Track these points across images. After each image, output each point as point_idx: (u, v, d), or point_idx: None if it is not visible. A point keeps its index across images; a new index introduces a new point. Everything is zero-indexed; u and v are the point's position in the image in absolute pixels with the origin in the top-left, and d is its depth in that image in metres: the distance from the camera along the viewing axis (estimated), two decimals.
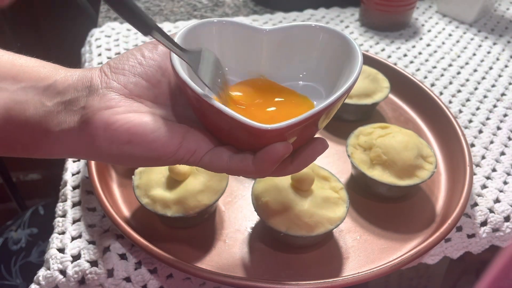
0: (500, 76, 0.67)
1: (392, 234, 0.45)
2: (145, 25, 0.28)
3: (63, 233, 0.43)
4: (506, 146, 0.55)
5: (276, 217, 0.40)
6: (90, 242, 0.42)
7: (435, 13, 0.83)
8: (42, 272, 0.41)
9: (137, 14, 0.28)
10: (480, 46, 0.74)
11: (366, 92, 0.55)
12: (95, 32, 0.73)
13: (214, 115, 0.29)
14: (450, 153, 0.52)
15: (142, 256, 0.41)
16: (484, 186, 0.49)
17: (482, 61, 0.70)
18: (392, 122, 0.58)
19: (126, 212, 0.46)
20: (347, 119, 0.57)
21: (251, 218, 0.46)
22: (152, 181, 0.43)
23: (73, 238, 0.42)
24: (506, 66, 0.69)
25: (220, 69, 0.33)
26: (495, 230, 0.46)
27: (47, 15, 1.04)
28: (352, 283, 0.37)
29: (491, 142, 0.55)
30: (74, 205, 0.46)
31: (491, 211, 0.47)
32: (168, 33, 0.30)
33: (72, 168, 0.50)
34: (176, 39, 0.32)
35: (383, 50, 0.72)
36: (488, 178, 0.50)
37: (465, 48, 0.73)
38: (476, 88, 0.64)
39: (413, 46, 0.73)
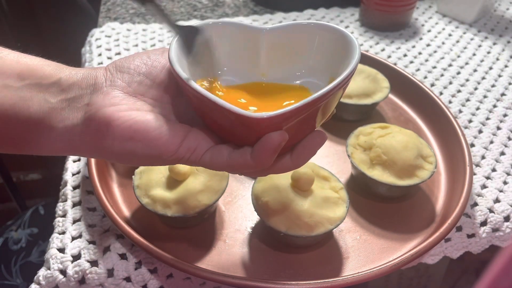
0: (500, 76, 0.67)
1: (392, 234, 0.45)
2: None
3: (63, 233, 0.43)
4: (506, 146, 0.55)
5: (276, 217, 0.40)
6: (90, 242, 0.42)
7: (435, 13, 0.83)
8: (42, 272, 0.41)
9: None
10: (480, 46, 0.74)
11: (366, 92, 0.55)
12: (95, 32, 0.73)
13: (210, 108, 0.30)
14: (450, 153, 0.52)
15: (142, 256, 0.41)
16: (484, 186, 0.49)
17: (482, 61, 0.70)
18: (392, 122, 0.58)
19: (126, 212, 0.46)
20: (347, 119, 0.57)
21: (251, 218, 0.46)
22: (152, 181, 0.43)
23: (73, 238, 0.43)
24: (506, 66, 0.69)
25: (212, 52, 0.34)
26: (495, 230, 0.46)
27: (47, 15, 1.04)
28: (352, 283, 0.37)
29: (491, 142, 0.55)
30: (74, 205, 0.46)
31: (491, 211, 0.47)
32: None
33: (72, 168, 0.50)
34: (175, 41, 0.32)
35: (383, 50, 0.72)
36: (488, 178, 0.50)
37: (465, 48, 0.73)
38: (476, 88, 0.64)
39: (413, 46, 0.73)
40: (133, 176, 0.44)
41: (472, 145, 0.55)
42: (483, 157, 0.53)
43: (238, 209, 0.47)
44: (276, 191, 0.42)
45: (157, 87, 0.32)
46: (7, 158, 0.93)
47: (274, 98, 0.35)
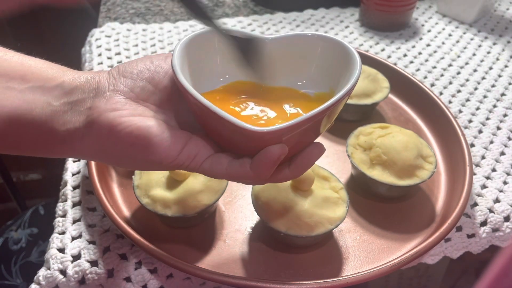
0: (500, 76, 0.67)
1: (392, 234, 0.45)
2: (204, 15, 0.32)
3: (63, 233, 0.43)
4: (506, 146, 0.55)
5: (276, 217, 0.40)
6: (90, 242, 0.42)
7: (435, 13, 0.83)
8: (42, 272, 0.41)
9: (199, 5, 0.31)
10: (480, 46, 0.74)
11: (366, 92, 0.55)
12: (95, 32, 0.73)
13: (212, 119, 0.30)
14: (450, 153, 0.52)
15: (142, 256, 0.41)
16: (484, 186, 0.49)
17: (482, 61, 0.70)
18: (392, 122, 0.58)
19: (126, 212, 0.46)
20: (347, 119, 0.57)
21: (251, 218, 0.46)
22: (152, 181, 0.43)
23: (73, 238, 0.43)
24: (506, 66, 0.69)
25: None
26: (495, 230, 0.46)
27: (47, 15, 1.04)
28: (352, 283, 0.37)
29: (491, 142, 0.55)
30: (74, 205, 0.46)
31: (491, 211, 0.47)
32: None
33: (72, 168, 0.50)
34: (177, 49, 0.33)
35: (383, 50, 0.72)
36: (488, 178, 0.50)
37: (465, 48, 0.73)
38: (476, 88, 0.64)
39: (413, 46, 0.73)
40: (133, 176, 0.44)
41: (472, 145, 0.55)
42: (483, 157, 0.53)
43: (238, 209, 0.47)
44: (276, 191, 0.42)
45: (160, 93, 0.32)
46: (7, 158, 0.93)
47: (277, 103, 0.35)
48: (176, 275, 0.41)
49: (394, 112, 0.60)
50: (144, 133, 0.30)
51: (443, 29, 0.78)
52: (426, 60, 0.70)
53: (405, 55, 0.71)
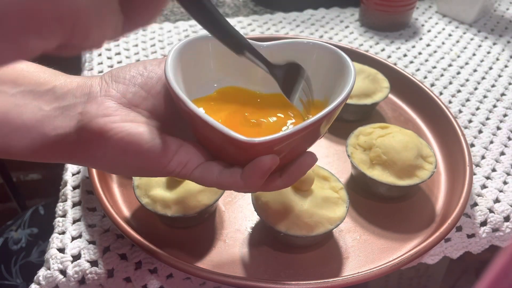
0: (500, 76, 0.67)
1: (392, 234, 0.45)
2: (238, 44, 0.31)
3: (63, 233, 0.43)
4: (506, 146, 0.55)
5: (276, 217, 0.40)
6: (90, 242, 0.42)
7: (435, 13, 0.83)
8: (42, 272, 0.41)
9: (231, 33, 0.30)
10: (480, 46, 0.74)
11: (366, 92, 0.55)
12: None
13: (204, 128, 0.30)
14: (450, 153, 0.52)
15: (142, 256, 0.41)
16: (484, 186, 0.49)
17: (482, 61, 0.70)
18: (392, 122, 0.58)
19: (126, 212, 0.46)
20: (347, 119, 0.57)
21: (251, 218, 0.46)
22: (152, 181, 0.43)
23: (73, 238, 0.43)
24: (506, 66, 0.69)
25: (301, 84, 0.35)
26: (495, 230, 0.46)
27: None
28: (352, 283, 0.37)
29: (491, 142, 0.55)
30: (74, 205, 0.46)
31: (491, 211, 0.47)
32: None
33: (72, 168, 0.50)
34: (171, 54, 0.32)
35: (383, 50, 0.72)
36: (488, 178, 0.50)
37: (465, 48, 0.73)
38: (476, 88, 0.64)
39: (413, 46, 0.73)
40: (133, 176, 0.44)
41: (472, 145, 0.55)
42: (483, 157, 0.53)
43: (238, 209, 0.47)
44: (276, 191, 0.41)
45: (152, 99, 0.32)
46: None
47: (271, 111, 0.35)
48: (176, 275, 0.41)
49: (394, 112, 0.60)
50: (135, 139, 0.30)
51: (443, 29, 0.78)
52: (426, 60, 0.70)
53: (405, 55, 0.71)
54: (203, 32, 0.34)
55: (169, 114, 0.33)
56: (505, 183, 0.50)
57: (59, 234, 0.43)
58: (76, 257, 0.41)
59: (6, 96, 0.31)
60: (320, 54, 0.36)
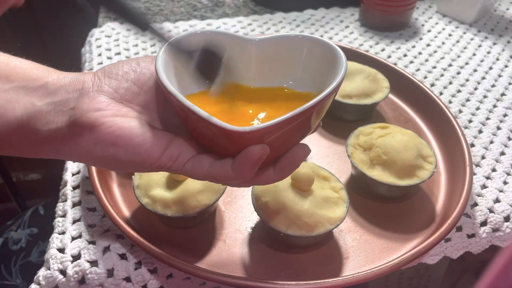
0: (500, 76, 0.67)
1: (392, 234, 0.45)
2: (143, 23, 0.31)
3: (63, 233, 0.43)
4: (506, 146, 0.55)
5: (276, 217, 0.40)
6: (90, 242, 0.42)
7: (435, 13, 0.83)
8: (42, 272, 0.41)
9: (135, 13, 0.29)
10: (480, 46, 0.74)
11: (366, 92, 0.55)
12: (95, 32, 0.73)
13: (193, 119, 0.30)
14: (450, 153, 0.52)
15: (142, 256, 0.41)
16: (484, 186, 0.49)
17: (482, 61, 0.70)
18: (392, 122, 0.58)
19: (126, 212, 0.46)
20: (347, 119, 0.57)
21: (251, 218, 0.46)
22: (152, 181, 0.43)
23: (73, 238, 0.42)
24: (506, 66, 0.69)
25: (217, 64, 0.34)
26: (495, 230, 0.46)
27: (47, 15, 1.04)
28: (352, 283, 0.37)
29: (491, 142, 0.55)
30: (74, 205, 0.46)
31: (491, 211, 0.47)
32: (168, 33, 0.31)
33: (72, 168, 0.50)
34: (162, 51, 0.33)
35: (383, 50, 0.72)
36: (488, 178, 0.50)
37: (465, 48, 0.73)
38: (476, 88, 0.64)
39: (413, 46, 0.73)
40: (133, 176, 0.44)
41: (472, 145, 0.55)
42: (483, 157, 0.53)
43: (238, 209, 0.47)
44: (276, 191, 0.42)
45: (145, 94, 0.32)
46: (7, 158, 0.93)
47: (264, 104, 0.35)
48: (176, 275, 0.41)
49: (394, 112, 0.60)
50: (126, 133, 0.30)
51: (443, 29, 0.78)
52: (426, 60, 0.70)
53: (405, 55, 0.71)
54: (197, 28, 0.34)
55: (162, 110, 0.33)
56: (505, 183, 0.50)
57: (59, 234, 0.43)
58: (76, 257, 0.41)
59: None
60: (311, 47, 0.36)
